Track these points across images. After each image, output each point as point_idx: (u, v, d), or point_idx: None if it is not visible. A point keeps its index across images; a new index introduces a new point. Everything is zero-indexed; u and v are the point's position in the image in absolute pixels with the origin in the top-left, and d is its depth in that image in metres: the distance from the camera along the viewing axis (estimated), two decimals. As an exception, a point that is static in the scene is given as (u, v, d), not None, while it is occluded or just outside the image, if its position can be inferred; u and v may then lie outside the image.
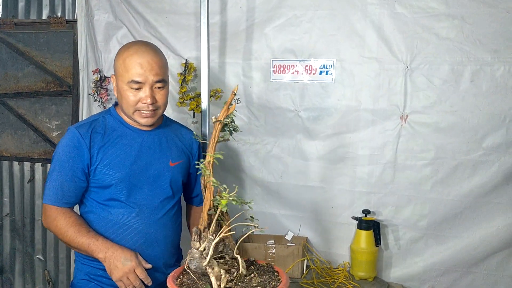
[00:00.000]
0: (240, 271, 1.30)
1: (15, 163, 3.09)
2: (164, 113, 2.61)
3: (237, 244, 1.36)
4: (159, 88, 1.65)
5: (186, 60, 2.58)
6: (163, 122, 1.86)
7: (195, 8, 2.54)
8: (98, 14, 2.75)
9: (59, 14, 2.93)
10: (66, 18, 2.91)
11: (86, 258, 1.66)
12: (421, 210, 2.37)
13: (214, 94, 2.56)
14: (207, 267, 1.30)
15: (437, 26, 2.24)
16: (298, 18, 2.43)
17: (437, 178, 2.33)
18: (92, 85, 2.73)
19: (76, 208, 1.76)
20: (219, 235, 1.33)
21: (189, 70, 2.55)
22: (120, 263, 1.51)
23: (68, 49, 2.93)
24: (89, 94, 2.75)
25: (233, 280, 1.29)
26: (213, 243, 1.33)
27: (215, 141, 1.35)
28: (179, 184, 1.76)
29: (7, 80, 3.02)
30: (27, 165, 3.08)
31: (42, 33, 2.95)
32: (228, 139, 1.47)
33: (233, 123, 1.37)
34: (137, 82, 1.61)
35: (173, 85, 2.63)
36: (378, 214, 2.44)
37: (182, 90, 2.57)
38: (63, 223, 1.61)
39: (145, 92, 1.62)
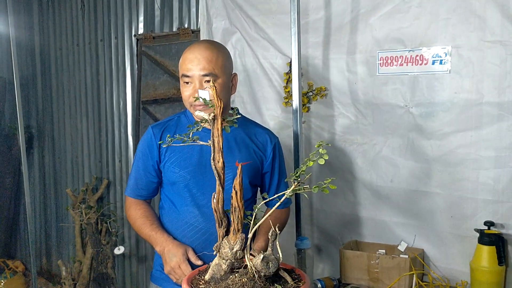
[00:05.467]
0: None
1: (154, 162, 3.43)
2: (274, 113, 2.66)
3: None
4: (208, 82, 1.65)
5: (291, 59, 2.53)
6: (237, 121, 1.85)
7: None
8: (216, 22, 2.89)
9: (186, 26, 3.17)
10: (192, 28, 3.13)
11: (160, 251, 1.76)
12: None
13: (318, 92, 2.46)
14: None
15: None
16: (407, 4, 2.19)
17: None
18: (208, 89, 2.88)
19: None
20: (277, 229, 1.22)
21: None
22: (169, 258, 1.56)
23: (194, 57, 3.14)
24: (205, 98, 2.91)
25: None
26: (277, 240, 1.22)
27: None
28: (245, 184, 1.73)
29: (147, 89, 3.38)
30: (163, 165, 3.39)
31: (174, 44, 3.23)
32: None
33: (232, 121, 1.27)
34: (186, 76, 1.65)
35: (281, 85, 2.62)
36: (507, 227, 2.03)
37: (287, 90, 2.53)
38: (133, 213, 1.74)
39: (194, 87, 1.65)
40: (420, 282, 2.13)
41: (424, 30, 2.16)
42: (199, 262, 1.59)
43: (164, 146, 1.41)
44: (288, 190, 1.18)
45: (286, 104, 2.57)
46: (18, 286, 3.97)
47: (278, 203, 1.20)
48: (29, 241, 3.49)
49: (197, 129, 1.25)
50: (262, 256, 1.17)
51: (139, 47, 3.41)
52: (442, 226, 2.22)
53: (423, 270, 2.22)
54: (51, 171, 4.21)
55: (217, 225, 1.22)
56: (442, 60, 2.13)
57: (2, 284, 3.85)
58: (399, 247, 2.31)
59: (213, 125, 1.18)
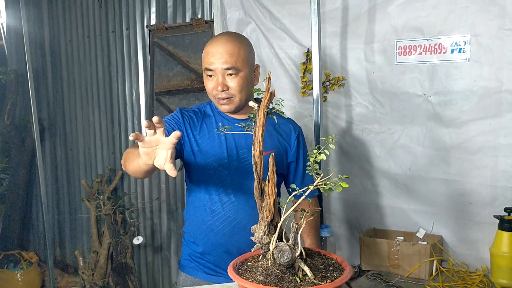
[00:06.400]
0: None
1: (169, 153, 3.45)
2: (290, 103, 2.68)
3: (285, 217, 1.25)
4: (230, 75, 1.66)
5: (308, 49, 2.54)
6: None
7: (316, -5, 2.49)
8: (230, 12, 2.90)
9: (199, 16, 3.17)
10: (205, 19, 3.13)
11: (188, 241, 1.79)
12: None
13: (336, 82, 2.48)
14: (299, 259, 1.24)
15: None
16: (425, -8, 2.20)
17: None
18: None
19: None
20: (304, 222, 1.25)
21: (310, 60, 2.51)
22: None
23: (207, 47, 3.15)
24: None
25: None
26: (299, 232, 1.25)
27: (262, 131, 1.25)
28: None
29: (161, 80, 3.39)
30: (177, 155, 3.42)
31: (187, 35, 3.23)
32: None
33: (276, 110, 1.30)
34: (209, 70, 1.67)
35: (298, 76, 2.63)
36: (526, 213, 2.06)
37: (304, 80, 2.55)
38: (127, 151, 1.60)
39: (216, 80, 1.66)
40: (441, 267, 2.17)
41: (443, 19, 2.17)
42: (176, 137, 1.31)
43: (222, 132, 1.41)
44: (311, 186, 1.20)
45: (303, 94, 2.59)
46: (34, 277, 4.02)
47: (303, 197, 1.21)
48: (45, 232, 3.53)
49: (254, 120, 1.26)
50: (276, 244, 1.20)
51: (151, 38, 3.41)
52: (460, 213, 2.25)
53: (442, 256, 2.25)
54: (63, 163, 4.24)
55: (258, 209, 1.25)
56: (461, 48, 2.15)
57: (19, 275, 3.91)
58: (417, 234, 2.34)
59: (257, 115, 1.21)
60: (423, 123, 2.30)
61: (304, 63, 2.56)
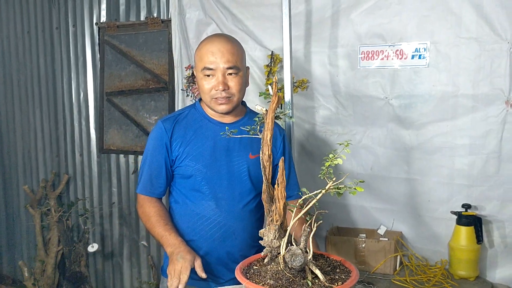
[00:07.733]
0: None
1: (121, 156, 3.34)
2: (253, 105, 2.69)
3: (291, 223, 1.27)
4: (231, 74, 1.66)
5: (272, 51, 2.57)
6: (246, 115, 1.87)
7: (280, -1, 2.52)
8: (189, 12, 2.85)
9: (155, 15, 3.09)
10: (161, 18, 3.06)
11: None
12: (532, 205, 2.12)
13: (300, 84, 2.52)
14: (311, 262, 1.24)
15: (549, -3, 1.98)
16: (387, 0, 2.30)
17: (551, 170, 2.06)
18: (184, 80, 2.85)
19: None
20: (315, 226, 1.27)
21: (274, 62, 2.54)
22: (176, 259, 1.56)
23: (163, 47, 3.08)
24: (182, 89, 2.87)
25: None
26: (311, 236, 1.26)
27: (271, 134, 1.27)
28: (260, 177, 1.76)
29: (112, 80, 3.27)
30: (131, 158, 3.31)
31: (141, 34, 3.14)
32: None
33: (284, 114, 1.33)
34: (209, 69, 1.65)
35: (261, 78, 2.65)
36: (480, 209, 2.23)
37: (268, 82, 2.57)
38: (147, 211, 1.72)
39: (217, 79, 1.65)
40: (405, 262, 2.29)
41: (404, 26, 2.29)
42: (203, 275, 1.57)
43: (228, 136, 1.43)
44: (323, 190, 1.23)
45: (266, 97, 2.60)
46: (-32, 291, 3.71)
47: (314, 200, 1.24)
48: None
49: (262, 122, 1.26)
50: (288, 248, 1.21)
51: (101, 36, 3.27)
52: (419, 210, 2.38)
53: (403, 252, 2.37)
54: (-2, 167, 3.94)
55: (265, 213, 1.26)
56: (421, 54, 2.27)
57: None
58: (378, 231, 2.45)
59: (265, 118, 1.21)
60: (384, 125, 2.40)
61: (268, 66, 2.58)
